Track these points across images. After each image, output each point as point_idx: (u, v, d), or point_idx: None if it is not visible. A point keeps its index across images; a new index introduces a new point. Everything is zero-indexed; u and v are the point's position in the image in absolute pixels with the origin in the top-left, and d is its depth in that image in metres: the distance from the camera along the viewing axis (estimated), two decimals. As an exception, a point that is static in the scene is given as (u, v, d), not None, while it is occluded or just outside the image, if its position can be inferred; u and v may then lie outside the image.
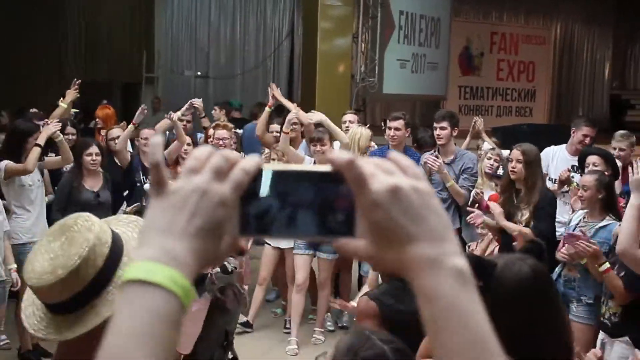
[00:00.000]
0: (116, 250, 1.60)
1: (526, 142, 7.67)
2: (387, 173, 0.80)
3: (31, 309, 1.61)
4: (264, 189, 0.81)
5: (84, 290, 1.55)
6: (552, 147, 6.63)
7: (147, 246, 0.78)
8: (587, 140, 6.31)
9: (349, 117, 7.47)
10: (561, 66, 19.34)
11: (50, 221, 5.87)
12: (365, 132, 6.98)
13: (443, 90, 14.76)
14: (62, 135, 5.95)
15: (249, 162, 0.81)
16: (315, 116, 6.53)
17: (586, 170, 5.43)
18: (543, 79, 18.69)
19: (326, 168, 0.81)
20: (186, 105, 7.35)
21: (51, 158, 6.11)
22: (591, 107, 19.88)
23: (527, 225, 5.25)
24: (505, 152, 7.23)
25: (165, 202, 0.79)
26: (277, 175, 0.81)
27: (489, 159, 6.54)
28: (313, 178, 0.81)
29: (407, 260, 0.79)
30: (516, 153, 5.32)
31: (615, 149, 6.24)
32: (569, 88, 19.54)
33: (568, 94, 19.55)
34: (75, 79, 7.24)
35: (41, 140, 5.74)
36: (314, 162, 6.43)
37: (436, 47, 13.75)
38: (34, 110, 7.82)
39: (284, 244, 6.43)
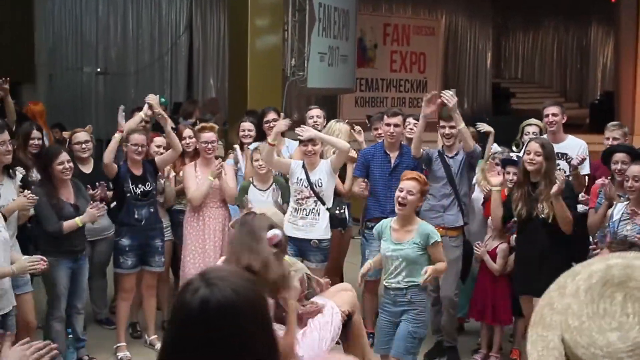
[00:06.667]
0: None
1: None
2: None
3: None
4: None
5: None
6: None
7: None
8: (553, 119, 6.11)
9: (316, 112, 6.91)
10: (447, 57, 19.73)
11: (44, 250, 5.13)
12: (344, 127, 6.60)
13: (352, 83, 14.56)
14: None
15: None
16: (306, 133, 5.85)
17: (613, 167, 5.39)
18: (433, 70, 18.96)
19: None
20: (146, 105, 6.42)
21: None
22: (475, 96, 20.46)
23: (549, 218, 5.11)
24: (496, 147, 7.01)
25: None
26: None
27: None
28: None
29: None
30: (535, 146, 5.22)
31: (608, 139, 6.24)
32: (455, 78, 19.97)
33: (455, 84, 19.96)
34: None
35: None
36: (303, 164, 6.00)
37: (346, 39, 13.51)
38: None
39: None
